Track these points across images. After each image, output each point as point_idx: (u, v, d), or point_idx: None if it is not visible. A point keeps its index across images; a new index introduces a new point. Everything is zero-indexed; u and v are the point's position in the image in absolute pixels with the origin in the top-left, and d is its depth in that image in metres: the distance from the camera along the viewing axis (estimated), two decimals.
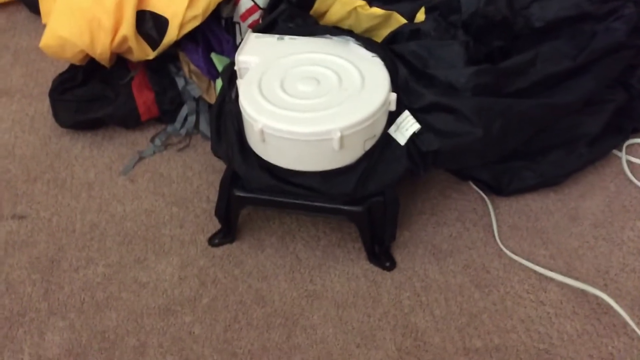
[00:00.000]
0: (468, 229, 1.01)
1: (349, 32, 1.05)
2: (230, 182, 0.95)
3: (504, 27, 0.98)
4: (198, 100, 1.25)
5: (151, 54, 1.15)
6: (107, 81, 1.27)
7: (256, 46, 0.99)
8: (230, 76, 1.00)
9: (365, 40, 0.96)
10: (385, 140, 0.91)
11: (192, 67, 1.23)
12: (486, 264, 0.95)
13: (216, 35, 1.23)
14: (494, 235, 0.99)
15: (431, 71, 0.93)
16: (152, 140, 1.23)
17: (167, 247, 1.01)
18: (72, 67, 1.26)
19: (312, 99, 0.87)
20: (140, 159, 1.20)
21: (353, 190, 0.89)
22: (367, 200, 0.91)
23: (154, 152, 1.21)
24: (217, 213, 1.00)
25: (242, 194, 0.94)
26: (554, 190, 1.06)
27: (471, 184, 1.08)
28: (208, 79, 1.23)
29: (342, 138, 0.83)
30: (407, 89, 0.93)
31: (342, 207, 0.91)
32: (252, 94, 0.88)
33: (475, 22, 0.96)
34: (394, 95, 0.88)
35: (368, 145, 0.88)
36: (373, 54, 0.94)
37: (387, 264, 0.96)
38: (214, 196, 1.09)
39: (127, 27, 1.09)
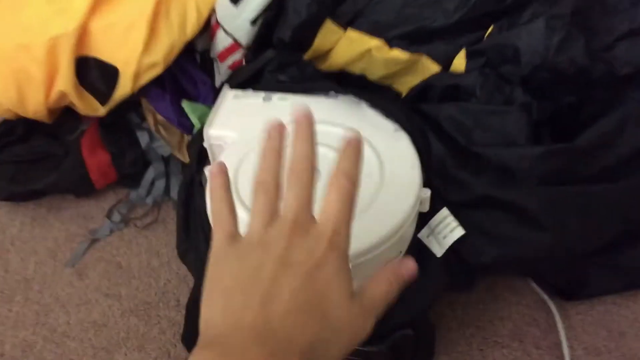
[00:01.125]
0: (529, 354, 0.77)
1: (360, 81, 0.80)
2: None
3: (578, 78, 0.72)
4: (168, 159, 1.01)
5: (100, 110, 0.90)
6: (54, 134, 1.02)
7: (233, 113, 0.74)
8: (200, 151, 0.76)
9: (384, 105, 0.71)
10: (415, 251, 0.66)
11: (159, 117, 0.98)
12: None
13: (189, 74, 0.98)
14: None
15: (479, 149, 0.68)
16: (109, 214, 0.99)
17: None
18: None
19: None
20: (93, 241, 0.95)
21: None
22: (391, 336, 0.67)
23: (111, 232, 0.97)
24: (185, 342, 0.76)
25: None
26: None
27: (530, 282, 0.83)
28: (180, 132, 0.98)
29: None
30: (445, 175, 0.68)
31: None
32: None
33: (540, 76, 0.70)
34: (427, 193, 0.63)
35: None
36: (395, 127, 0.69)
37: None
38: (185, 297, 0.85)
39: (65, 79, 0.84)
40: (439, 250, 0.66)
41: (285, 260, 0.36)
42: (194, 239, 0.73)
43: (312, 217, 0.38)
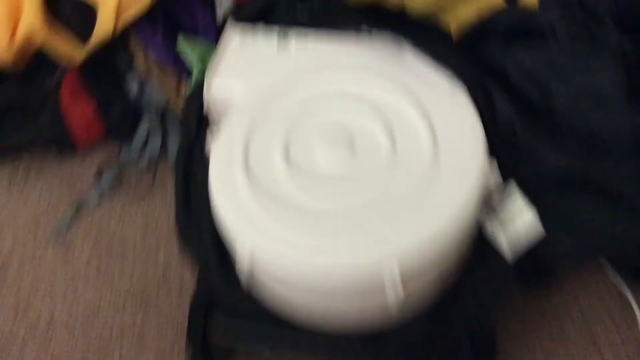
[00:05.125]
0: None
1: (399, 17, 0.68)
2: (206, 311, 0.62)
3: None
4: (164, 111, 0.90)
5: (78, 54, 0.79)
6: (29, 82, 0.92)
7: (241, 58, 0.63)
8: (200, 111, 0.65)
9: (432, 46, 0.59)
10: (476, 249, 0.56)
11: (151, 57, 0.87)
12: None
13: (185, 2, 0.87)
14: None
15: (561, 110, 0.56)
16: (97, 178, 0.90)
17: None
18: None
19: (341, 190, 0.52)
20: (80, 207, 0.87)
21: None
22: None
23: (100, 199, 0.88)
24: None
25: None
26: None
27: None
28: (176, 76, 0.87)
29: (402, 278, 0.48)
30: (515, 145, 0.57)
31: None
32: (232, 180, 0.54)
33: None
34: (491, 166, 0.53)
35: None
36: (448, 76, 0.57)
37: None
38: (191, 276, 0.78)
39: (31, 16, 0.73)
40: (510, 251, 0.56)
41: None
42: (196, 219, 0.64)
43: None
